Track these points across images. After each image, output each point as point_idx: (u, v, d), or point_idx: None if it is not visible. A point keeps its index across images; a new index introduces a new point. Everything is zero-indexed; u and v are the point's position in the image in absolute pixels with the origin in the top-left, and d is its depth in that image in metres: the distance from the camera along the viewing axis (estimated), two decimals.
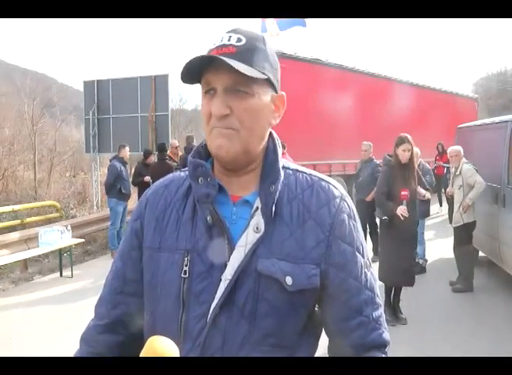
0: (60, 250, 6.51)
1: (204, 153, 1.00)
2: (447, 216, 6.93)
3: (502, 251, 5.10)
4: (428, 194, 4.90)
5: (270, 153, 0.99)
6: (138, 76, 11.03)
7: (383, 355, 0.97)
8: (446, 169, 10.39)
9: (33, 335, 4.38)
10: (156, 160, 7.93)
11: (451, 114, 14.22)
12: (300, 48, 10.59)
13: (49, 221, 8.95)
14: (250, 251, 0.91)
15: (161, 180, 1.07)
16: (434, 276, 5.90)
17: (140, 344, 0.79)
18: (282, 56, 9.94)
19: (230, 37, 0.92)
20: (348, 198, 1.00)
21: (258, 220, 0.92)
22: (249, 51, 0.91)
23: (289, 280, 0.90)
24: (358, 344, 0.95)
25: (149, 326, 0.98)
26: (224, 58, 0.87)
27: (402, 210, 4.23)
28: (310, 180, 0.99)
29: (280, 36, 10.44)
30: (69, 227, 6.68)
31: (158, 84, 10.60)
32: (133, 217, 1.05)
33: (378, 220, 7.11)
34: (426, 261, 6.34)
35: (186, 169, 1.02)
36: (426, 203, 6.14)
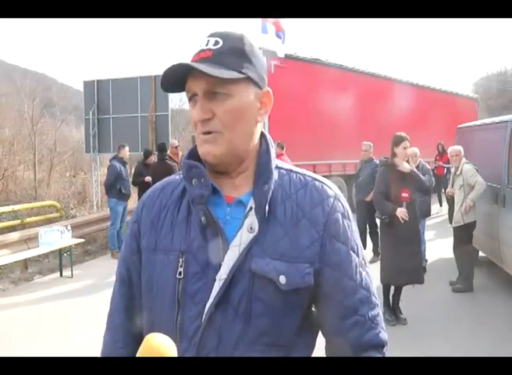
0: (60, 250, 6.51)
1: (198, 155, 1.00)
2: (447, 216, 6.93)
3: (502, 251, 5.10)
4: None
5: (263, 154, 0.99)
6: (138, 76, 11.03)
7: (381, 356, 0.97)
8: (446, 169, 10.39)
9: (33, 335, 4.38)
10: (156, 160, 7.93)
11: (451, 114, 14.23)
12: (300, 48, 10.59)
13: (49, 221, 8.95)
14: (245, 250, 0.91)
15: (157, 183, 1.09)
16: (434, 276, 5.89)
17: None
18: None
19: (208, 41, 0.94)
20: (342, 198, 1.01)
21: (252, 220, 0.93)
22: (226, 52, 0.92)
23: (283, 279, 0.91)
24: (355, 344, 0.96)
25: (147, 326, 0.98)
26: (194, 64, 0.89)
27: (402, 213, 4.19)
28: (303, 179, 1.00)
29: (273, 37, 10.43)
30: (69, 227, 6.68)
31: (158, 84, 10.46)
32: (131, 221, 1.06)
33: (378, 220, 7.14)
34: (426, 261, 6.34)
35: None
36: (426, 203, 6.14)
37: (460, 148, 5.59)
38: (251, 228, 0.92)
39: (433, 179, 6.27)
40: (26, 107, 17.73)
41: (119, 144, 7.88)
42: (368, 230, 6.99)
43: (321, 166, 10.62)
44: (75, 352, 3.72)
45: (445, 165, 10.50)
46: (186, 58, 0.94)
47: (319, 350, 1.03)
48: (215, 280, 0.91)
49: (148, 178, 7.26)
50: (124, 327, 1.05)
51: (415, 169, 4.35)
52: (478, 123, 6.92)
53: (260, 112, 0.98)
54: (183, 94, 0.98)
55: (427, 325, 4.35)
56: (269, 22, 10.08)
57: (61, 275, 6.54)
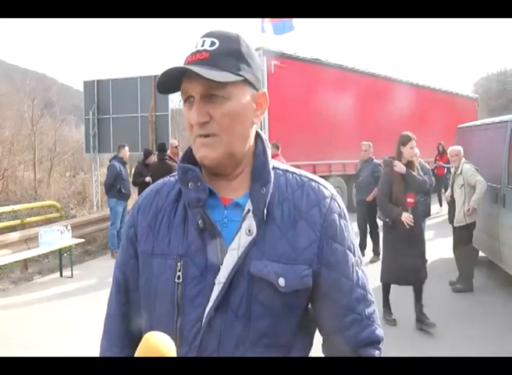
0: (60, 250, 6.51)
1: (193, 157, 1.00)
2: (447, 216, 6.93)
3: (502, 251, 5.10)
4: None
5: (259, 155, 0.98)
6: (138, 76, 11.03)
7: (377, 352, 0.98)
8: (446, 169, 10.39)
9: (33, 335, 4.38)
10: (156, 160, 7.93)
11: (451, 114, 14.23)
12: (300, 48, 10.59)
13: (49, 221, 8.95)
14: (243, 253, 0.91)
15: (152, 185, 1.08)
16: (434, 276, 5.89)
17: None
18: (282, 56, 9.96)
19: (204, 41, 0.92)
20: (338, 198, 1.01)
21: (250, 223, 0.93)
22: (223, 53, 0.91)
23: (281, 281, 0.91)
24: (352, 341, 0.96)
25: (146, 331, 0.98)
26: (192, 68, 0.87)
27: (408, 218, 4.10)
28: (300, 180, 1.00)
29: (280, 36, 10.45)
30: (69, 227, 6.67)
31: None
32: (127, 225, 1.06)
33: (380, 222, 7.13)
34: (426, 261, 6.33)
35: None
36: (426, 203, 6.14)
37: (459, 148, 5.59)
38: (249, 231, 0.92)
39: (433, 179, 6.27)
40: (26, 107, 17.76)
41: (119, 144, 7.88)
42: (368, 230, 6.99)
43: (321, 166, 10.62)
44: (75, 352, 3.71)
45: (445, 165, 10.50)
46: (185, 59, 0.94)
47: (316, 348, 1.04)
48: (214, 283, 0.91)
49: (148, 178, 7.25)
50: (120, 332, 1.05)
51: (412, 171, 4.25)
52: (478, 123, 6.92)
53: (256, 113, 0.97)
54: None
55: (407, 324, 4.34)
56: (270, 22, 10.09)
57: (61, 275, 6.54)
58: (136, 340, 0.96)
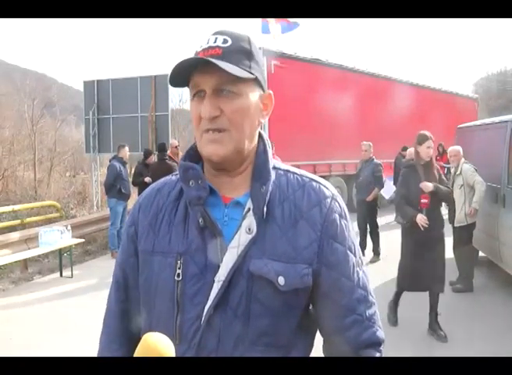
0: (60, 250, 6.50)
1: (195, 155, 1.00)
2: (447, 216, 6.91)
3: (502, 251, 5.10)
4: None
5: (261, 154, 0.99)
6: (138, 76, 11.03)
7: (378, 354, 0.98)
8: (446, 169, 10.39)
9: (33, 335, 4.38)
10: (156, 160, 7.93)
11: (451, 114, 14.22)
12: (300, 48, 10.60)
13: (49, 221, 8.95)
14: (243, 252, 0.91)
15: (153, 184, 1.08)
16: None
17: None
18: (282, 56, 9.96)
19: (216, 38, 0.93)
20: (339, 198, 1.01)
21: (250, 221, 0.93)
22: (235, 51, 0.92)
23: (281, 280, 0.91)
24: (353, 343, 0.96)
25: (146, 328, 0.98)
26: (212, 60, 0.88)
27: (422, 220, 3.99)
28: (301, 180, 1.00)
29: (280, 36, 10.46)
30: (69, 227, 6.67)
31: (158, 84, 10.59)
32: (127, 224, 1.06)
33: (378, 221, 7.13)
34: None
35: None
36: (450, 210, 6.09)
37: (459, 148, 5.59)
38: (249, 229, 0.92)
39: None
40: (26, 107, 17.76)
41: (119, 144, 7.88)
42: (368, 230, 6.99)
43: (321, 166, 10.63)
44: (75, 352, 3.72)
45: (445, 165, 10.50)
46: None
47: (316, 349, 1.03)
48: (213, 281, 0.91)
49: (148, 179, 7.25)
50: (119, 329, 1.05)
51: (439, 186, 4.09)
52: (478, 123, 6.92)
53: (262, 113, 0.99)
54: (184, 93, 0.99)
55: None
56: (270, 22, 10.09)
57: (61, 275, 6.54)
58: (134, 337, 0.96)
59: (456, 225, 5.51)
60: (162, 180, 1.07)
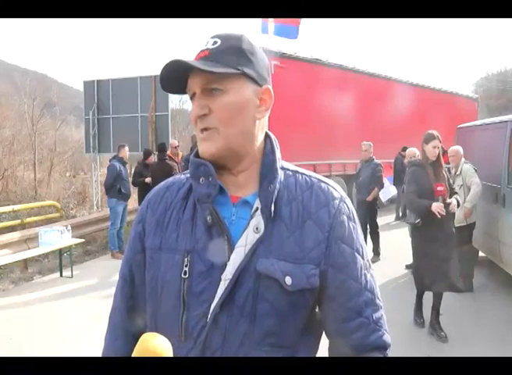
0: (60, 250, 6.51)
1: None
2: None
3: (502, 251, 5.10)
4: (454, 201, 4.11)
5: (268, 154, 0.99)
6: (138, 76, 11.02)
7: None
8: (446, 169, 10.38)
9: (33, 335, 4.38)
10: (156, 160, 7.93)
11: (451, 114, 14.21)
12: (300, 48, 10.58)
13: (49, 221, 8.94)
14: (250, 251, 0.91)
15: (162, 182, 1.08)
16: None
17: None
18: (282, 56, 9.95)
19: (207, 42, 0.96)
20: (348, 200, 1.01)
21: (258, 221, 0.93)
22: (224, 51, 0.94)
23: (288, 280, 0.91)
24: (359, 346, 0.95)
25: (151, 326, 0.98)
26: (188, 61, 0.90)
27: (438, 207, 3.82)
28: (309, 181, 1.00)
29: (272, 36, 10.43)
30: (69, 227, 6.67)
31: (158, 84, 10.50)
32: (135, 221, 1.06)
33: (378, 221, 7.13)
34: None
35: (188, 171, 1.03)
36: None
37: (458, 148, 5.59)
38: (257, 228, 0.92)
39: None
40: (26, 107, 17.77)
41: (119, 144, 7.87)
42: (368, 230, 6.99)
43: (321, 166, 10.61)
44: (74, 352, 3.72)
45: (445, 165, 10.48)
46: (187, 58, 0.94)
47: (322, 351, 1.03)
48: (220, 279, 0.91)
49: (149, 179, 7.26)
50: (125, 326, 1.05)
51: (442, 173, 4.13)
52: (478, 123, 6.91)
53: (259, 109, 0.98)
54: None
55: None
56: (269, 22, 10.09)
57: (61, 275, 6.54)
58: (140, 334, 0.96)
59: (456, 225, 5.51)
60: (171, 178, 1.08)
